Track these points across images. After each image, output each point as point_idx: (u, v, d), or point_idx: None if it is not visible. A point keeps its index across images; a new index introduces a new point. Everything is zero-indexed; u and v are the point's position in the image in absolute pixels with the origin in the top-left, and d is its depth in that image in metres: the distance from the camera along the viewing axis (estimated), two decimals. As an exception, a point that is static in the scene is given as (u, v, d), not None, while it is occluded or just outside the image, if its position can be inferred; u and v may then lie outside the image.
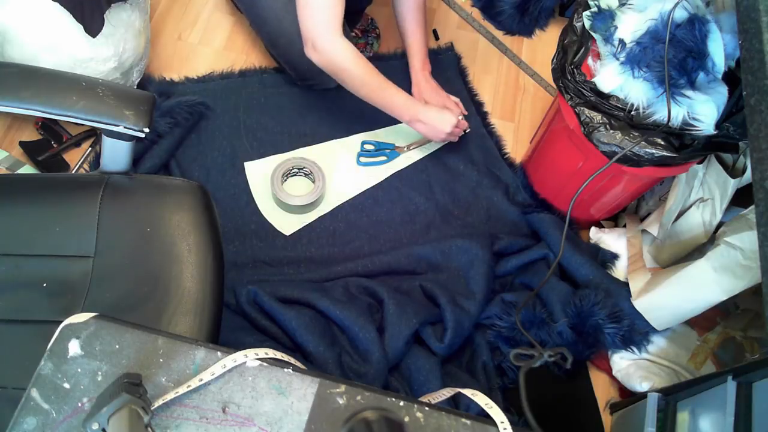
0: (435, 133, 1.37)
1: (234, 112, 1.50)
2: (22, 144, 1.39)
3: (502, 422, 0.60)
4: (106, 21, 1.26)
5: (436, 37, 1.72)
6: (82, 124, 0.95)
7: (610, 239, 1.38)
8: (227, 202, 1.39)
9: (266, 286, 1.25)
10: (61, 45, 1.23)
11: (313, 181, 1.40)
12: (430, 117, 1.34)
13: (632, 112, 1.01)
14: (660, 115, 0.99)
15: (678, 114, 0.98)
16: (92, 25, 1.24)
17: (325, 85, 1.48)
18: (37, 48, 1.22)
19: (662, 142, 1.01)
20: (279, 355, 0.63)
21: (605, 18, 1.05)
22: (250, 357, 0.60)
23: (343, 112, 1.52)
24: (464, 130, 1.44)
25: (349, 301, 1.24)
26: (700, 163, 1.16)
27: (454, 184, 1.47)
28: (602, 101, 1.03)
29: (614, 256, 1.35)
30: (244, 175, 1.43)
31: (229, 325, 1.20)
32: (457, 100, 1.52)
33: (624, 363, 1.24)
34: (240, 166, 1.44)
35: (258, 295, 1.22)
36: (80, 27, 1.22)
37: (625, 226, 1.40)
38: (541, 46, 1.75)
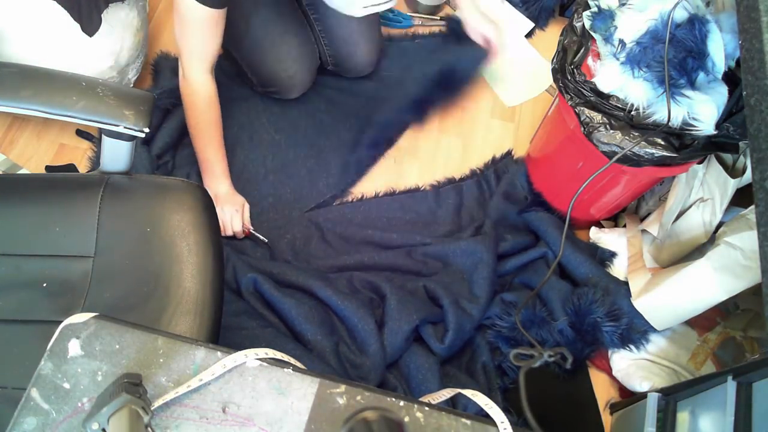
0: (219, 213, 1.28)
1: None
2: (48, 168, 1.39)
3: (502, 422, 0.60)
4: (103, 20, 1.26)
5: None
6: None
7: (610, 239, 1.38)
8: (244, 174, 1.42)
9: (272, 266, 1.26)
10: (57, 43, 1.24)
11: None
12: (220, 209, 1.28)
13: (632, 112, 1.01)
14: (660, 115, 0.99)
15: (678, 114, 0.98)
16: (89, 25, 1.24)
17: (285, 95, 1.49)
18: (34, 46, 1.22)
19: (662, 142, 1.01)
20: (279, 355, 0.63)
21: (605, 18, 1.05)
22: (250, 357, 0.60)
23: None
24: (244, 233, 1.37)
25: (351, 293, 1.24)
26: (700, 163, 1.16)
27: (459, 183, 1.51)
28: (602, 101, 1.03)
29: (612, 254, 1.35)
30: (259, 150, 1.47)
31: (233, 309, 1.20)
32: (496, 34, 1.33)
33: (624, 363, 1.24)
34: (257, 140, 1.48)
35: (258, 283, 1.23)
36: (77, 25, 1.22)
37: (625, 226, 1.40)
38: (541, 46, 1.75)
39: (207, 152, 1.27)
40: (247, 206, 1.36)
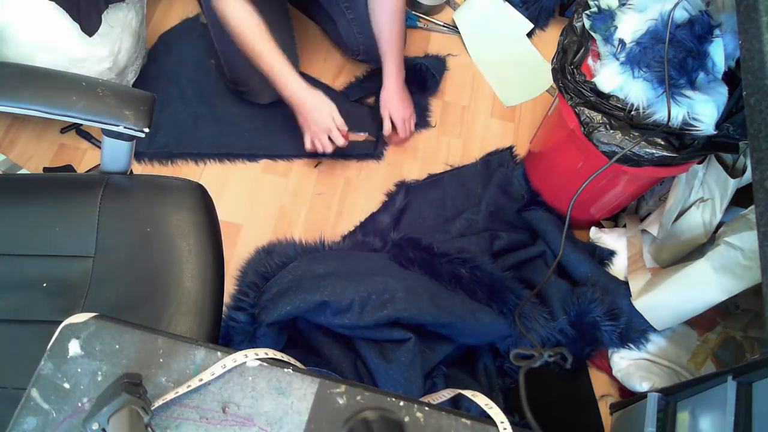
0: (307, 125, 1.28)
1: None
2: (46, 170, 1.39)
3: (502, 422, 0.60)
4: (103, 21, 1.25)
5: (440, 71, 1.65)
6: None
7: (610, 239, 1.38)
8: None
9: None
10: (56, 44, 1.23)
11: None
12: (307, 102, 1.24)
13: (632, 112, 1.01)
14: (660, 115, 0.99)
15: (678, 114, 0.98)
16: (89, 25, 1.24)
17: (255, 98, 1.47)
18: (33, 47, 1.22)
19: (662, 142, 1.01)
20: (279, 355, 0.63)
21: (605, 18, 1.05)
22: (250, 357, 0.60)
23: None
24: (363, 140, 1.35)
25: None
26: (700, 163, 1.16)
27: (458, 169, 1.53)
28: (602, 101, 1.03)
29: (611, 253, 1.35)
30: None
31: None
32: (412, 123, 1.49)
33: (624, 363, 1.24)
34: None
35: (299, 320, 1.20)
36: (76, 26, 1.22)
37: (625, 226, 1.40)
38: (541, 46, 1.75)
39: (269, 58, 1.24)
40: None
